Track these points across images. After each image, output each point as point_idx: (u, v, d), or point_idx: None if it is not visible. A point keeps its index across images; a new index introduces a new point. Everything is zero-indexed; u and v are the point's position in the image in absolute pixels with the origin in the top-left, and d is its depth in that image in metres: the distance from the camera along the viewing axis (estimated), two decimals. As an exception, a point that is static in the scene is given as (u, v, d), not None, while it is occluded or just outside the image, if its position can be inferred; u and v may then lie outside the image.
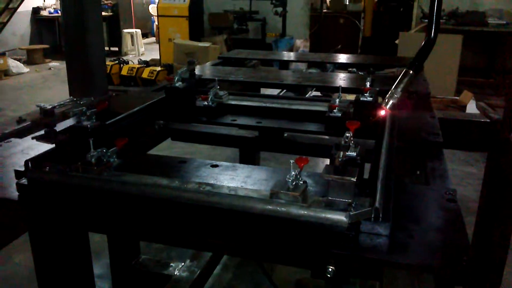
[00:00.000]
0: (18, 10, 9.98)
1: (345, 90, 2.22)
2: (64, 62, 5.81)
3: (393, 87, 1.47)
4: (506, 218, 1.83)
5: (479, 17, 8.04)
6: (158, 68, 7.83)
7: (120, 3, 12.33)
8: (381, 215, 1.00)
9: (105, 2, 11.86)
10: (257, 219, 1.05)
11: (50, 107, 1.82)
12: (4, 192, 1.24)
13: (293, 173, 1.05)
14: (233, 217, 1.08)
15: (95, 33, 4.89)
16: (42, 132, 1.53)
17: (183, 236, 1.12)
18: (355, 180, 1.00)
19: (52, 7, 11.93)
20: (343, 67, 3.25)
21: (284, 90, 2.60)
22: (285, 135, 1.81)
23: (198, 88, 2.07)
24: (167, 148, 3.03)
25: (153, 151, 1.87)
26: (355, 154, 1.10)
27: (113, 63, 7.97)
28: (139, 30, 12.12)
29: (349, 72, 2.99)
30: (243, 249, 1.14)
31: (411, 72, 1.46)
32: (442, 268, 0.94)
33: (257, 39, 9.63)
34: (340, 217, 0.98)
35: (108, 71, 7.35)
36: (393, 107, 1.46)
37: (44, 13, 11.78)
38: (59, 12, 10.61)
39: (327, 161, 1.12)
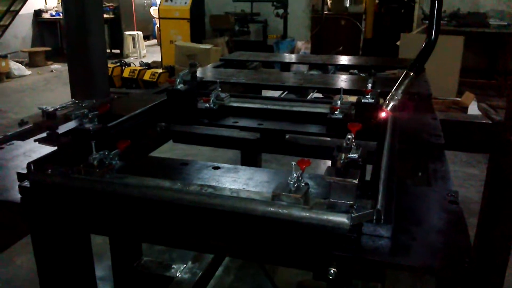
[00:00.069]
0: (20, 12, 10.00)
1: (347, 91, 2.22)
2: (66, 64, 5.82)
3: (393, 89, 1.47)
4: (508, 219, 1.83)
5: (481, 18, 8.04)
6: (160, 70, 7.84)
7: (121, 6, 12.36)
8: (383, 217, 1.00)
9: (107, 4, 11.89)
10: (259, 221, 1.05)
11: (52, 109, 1.83)
12: (6, 194, 1.24)
13: (294, 175, 1.05)
14: (235, 219, 1.08)
15: (96, 36, 4.90)
16: (44, 134, 1.53)
17: (185, 238, 1.12)
18: (357, 182, 1.00)
19: (53, 10, 11.97)
20: (344, 68, 3.25)
21: (286, 92, 2.60)
22: (287, 137, 1.81)
23: (199, 90, 2.07)
24: (168, 150, 3.04)
25: (154, 153, 1.88)
26: (356, 156, 1.10)
27: (114, 65, 7.98)
28: (140, 32, 12.15)
29: (351, 73, 2.99)
30: (245, 251, 1.14)
31: (411, 73, 1.46)
32: (444, 270, 0.94)
33: (258, 41, 9.65)
34: (342, 219, 0.98)
35: (109, 74, 7.36)
36: (394, 108, 1.46)
37: (46, 15, 11.82)
38: (61, 14, 10.64)
39: (329, 163, 1.12)
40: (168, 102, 1.96)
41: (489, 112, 5.45)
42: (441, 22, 1.50)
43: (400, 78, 1.48)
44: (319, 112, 1.84)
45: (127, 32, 12.02)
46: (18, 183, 1.24)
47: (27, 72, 9.69)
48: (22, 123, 1.80)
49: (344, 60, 3.29)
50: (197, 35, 9.12)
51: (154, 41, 14.15)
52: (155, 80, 7.60)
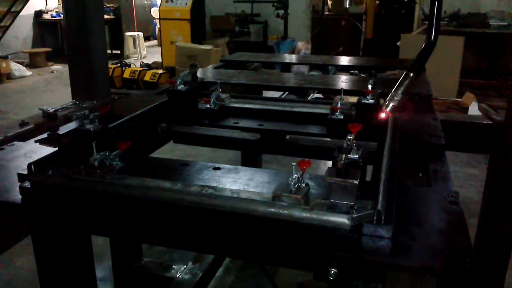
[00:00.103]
0: (21, 13, 10.00)
1: (347, 92, 2.22)
2: (67, 65, 5.83)
3: (393, 89, 1.47)
4: (509, 220, 1.83)
5: (481, 18, 8.03)
6: (160, 71, 7.84)
7: (122, 6, 12.37)
8: (383, 218, 1.00)
9: (107, 5, 11.90)
10: (259, 222, 1.05)
11: (53, 110, 1.83)
12: (7, 195, 1.24)
13: (295, 175, 1.06)
14: (236, 220, 1.08)
15: (97, 36, 4.90)
16: (45, 135, 1.54)
17: (186, 239, 1.12)
18: (357, 182, 1.00)
19: (54, 11, 11.98)
20: (345, 69, 3.26)
21: (286, 93, 2.60)
22: (287, 137, 1.81)
23: (200, 91, 2.08)
24: (169, 151, 3.04)
25: (155, 154, 1.88)
26: (357, 156, 1.10)
27: (115, 66, 7.98)
28: (141, 33, 12.15)
29: (351, 74, 2.99)
30: (246, 252, 1.14)
31: (411, 74, 1.46)
32: (444, 271, 0.94)
33: (258, 42, 9.64)
34: (342, 219, 0.98)
35: (110, 74, 7.36)
36: (394, 109, 1.46)
37: (47, 16, 11.83)
38: (62, 15, 10.65)
39: (329, 164, 1.13)
40: (169, 103, 1.97)
41: (489, 112, 5.45)
42: (442, 22, 1.50)
43: (400, 78, 1.48)
44: (319, 112, 1.84)
45: (127, 33, 12.03)
46: (19, 184, 1.24)
47: (28, 73, 9.70)
48: (22, 123, 1.81)
49: (344, 60, 3.29)
50: (197, 36, 9.12)
51: (155, 42, 14.16)
52: (155, 81, 7.60)
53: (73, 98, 5.10)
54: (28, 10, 10.86)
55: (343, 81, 2.55)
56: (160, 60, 9.33)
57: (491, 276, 1.83)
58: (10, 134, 1.71)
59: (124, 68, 8.03)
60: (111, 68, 7.59)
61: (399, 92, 1.46)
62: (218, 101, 1.91)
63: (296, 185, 1.05)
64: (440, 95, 6.20)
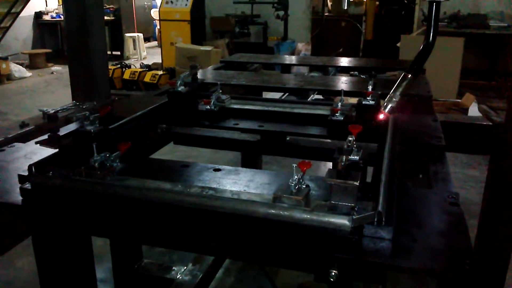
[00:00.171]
0: (21, 14, 10.02)
1: (347, 93, 2.22)
2: (67, 66, 5.82)
3: (391, 91, 1.47)
4: (509, 221, 1.83)
5: (481, 19, 8.04)
6: (160, 72, 7.85)
7: (122, 8, 12.39)
8: (384, 219, 1.00)
9: (107, 6, 11.91)
10: (259, 223, 1.05)
11: (53, 111, 1.83)
12: (7, 196, 1.24)
13: (295, 177, 1.06)
14: (236, 221, 1.08)
15: (97, 38, 4.90)
16: (46, 136, 1.53)
17: (186, 240, 1.12)
18: (358, 184, 1.00)
19: (54, 12, 11.99)
20: (345, 70, 3.25)
21: (286, 94, 2.61)
22: (287, 138, 1.81)
23: (200, 92, 2.08)
24: (169, 152, 3.04)
25: (155, 155, 1.88)
26: (357, 158, 1.10)
27: (115, 67, 7.98)
28: (141, 34, 12.16)
29: (351, 75, 2.99)
30: (246, 253, 1.14)
31: (409, 75, 1.46)
32: (445, 272, 0.94)
33: (258, 43, 9.65)
34: (343, 221, 0.98)
35: (110, 75, 7.37)
36: (392, 110, 1.46)
37: (47, 17, 11.84)
38: (62, 16, 10.66)
39: (330, 165, 1.13)
40: (169, 104, 1.97)
41: (489, 113, 5.45)
42: (442, 23, 1.50)
43: (398, 80, 1.48)
44: (319, 114, 1.84)
45: (127, 34, 12.04)
46: (19, 185, 1.24)
47: (28, 74, 9.70)
48: (23, 125, 1.81)
49: (344, 61, 3.29)
50: (197, 37, 9.13)
51: (155, 43, 14.17)
52: (155, 82, 7.60)
53: (73, 99, 5.09)
54: (28, 11, 10.88)
55: (343, 82, 2.55)
56: (160, 61, 9.33)
57: (491, 277, 1.83)
58: (10, 135, 1.70)
59: (124, 69, 8.03)
60: (111, 69, 7.59)
61: (397, 93, 1.46)
62: (218, 102, 1.91)
63: (297, 187, 1.05)
64: (440, 96, 6.20)
